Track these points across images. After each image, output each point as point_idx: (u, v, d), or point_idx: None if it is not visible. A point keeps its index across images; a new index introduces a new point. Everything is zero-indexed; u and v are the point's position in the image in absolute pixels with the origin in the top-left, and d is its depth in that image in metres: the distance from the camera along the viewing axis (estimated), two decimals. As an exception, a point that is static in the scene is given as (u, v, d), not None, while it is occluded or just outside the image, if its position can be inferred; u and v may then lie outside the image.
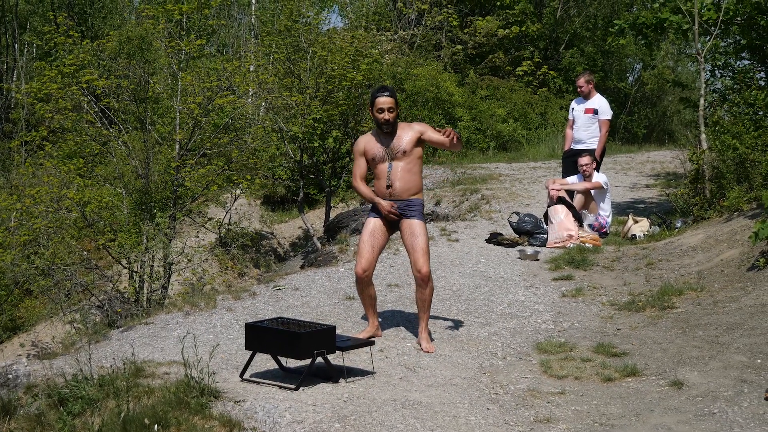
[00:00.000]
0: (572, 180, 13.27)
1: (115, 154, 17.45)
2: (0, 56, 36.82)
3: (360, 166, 8.21)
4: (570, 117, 13.93)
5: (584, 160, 13.10)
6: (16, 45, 36.72)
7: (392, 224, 8.15)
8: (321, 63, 19.64)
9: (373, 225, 8.14)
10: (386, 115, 7.93)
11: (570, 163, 13.72)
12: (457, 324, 8.82)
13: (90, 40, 19.40)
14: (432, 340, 8.24)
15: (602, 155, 13.71)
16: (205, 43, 21.62)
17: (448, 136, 7.87)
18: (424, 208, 8.22)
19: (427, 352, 7.99)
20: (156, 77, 19.97)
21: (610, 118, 13.65)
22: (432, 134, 8.03)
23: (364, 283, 8.12)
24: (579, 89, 13.74)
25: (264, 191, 25.68)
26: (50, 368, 7.44)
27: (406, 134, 8.02)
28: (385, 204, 8.04)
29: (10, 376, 7.55)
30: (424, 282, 7.96)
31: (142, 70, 18.05)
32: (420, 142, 8.03)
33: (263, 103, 21.17)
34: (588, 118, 13.57)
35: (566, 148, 13.99)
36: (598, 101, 13.63)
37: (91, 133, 17.24)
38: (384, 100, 7.94)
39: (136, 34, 24.31)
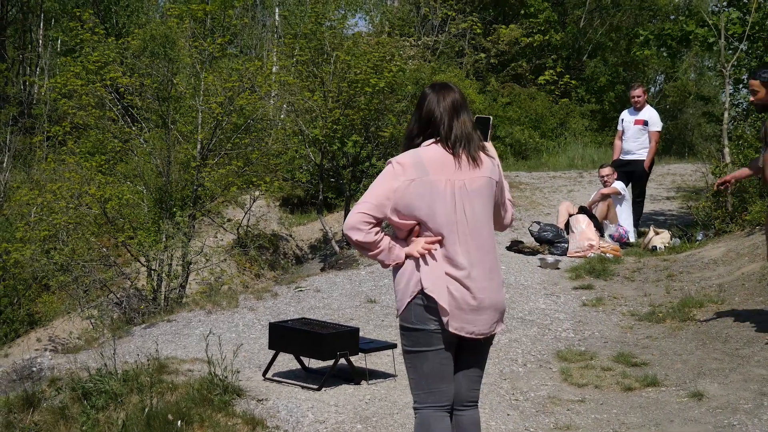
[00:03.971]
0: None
1: (136, 151, 17.54)
2: (24, 51, 37.01)
3: None
4: (619, 128, 13.81)
5: (605, 171, 13.12)
6: (40, 41, 36.90)
7: None
8: (344, 67, 19.68)
9: None
10: None
11: (620, 174, 13.51)
12: None
13: (115, 38, 19.51)
14: None
15: (651, 167, 13.69)
16: (227, 41, 21.67)
17: None
18: None
19: None
20: (179, 76, 20.05)
21: (660, 129, 13.61)
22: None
23: None
24: (634, 99, 13.63)
25: (283, 193, 25.72)
26: (74, 362, 7.49)
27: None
28: None
29: (34, 369, 7.61)
30: None
31: (165, 69, 18.14)
32: None
33: (284, 105, 21.23)
34: (638, 130, 13.51)
35: (615, 158, 13.92)
36: (649, 113, 13.58)
37: (113, 131, 17.34)
38: None
39: (160, 33, 24.39)
